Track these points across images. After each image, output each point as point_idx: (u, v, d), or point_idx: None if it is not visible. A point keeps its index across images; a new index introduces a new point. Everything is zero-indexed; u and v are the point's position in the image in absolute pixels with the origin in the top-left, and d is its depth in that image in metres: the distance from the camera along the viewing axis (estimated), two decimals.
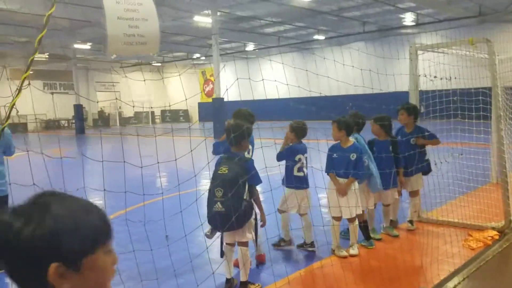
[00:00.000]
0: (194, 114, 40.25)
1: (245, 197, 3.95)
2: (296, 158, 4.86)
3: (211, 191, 3.97)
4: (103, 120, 38.74)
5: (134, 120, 39.82)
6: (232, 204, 3.83)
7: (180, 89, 38.25)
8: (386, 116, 5.49)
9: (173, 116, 41.33)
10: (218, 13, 21.49)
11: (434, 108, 6.32)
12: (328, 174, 4.92)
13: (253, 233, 4.13)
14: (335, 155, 4.82)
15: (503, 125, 5.42)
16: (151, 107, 37.59)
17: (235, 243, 4.08)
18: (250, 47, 32.64)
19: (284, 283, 4.24)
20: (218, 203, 3.87)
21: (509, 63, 7.35)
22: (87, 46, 29.02)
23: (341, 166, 4.78)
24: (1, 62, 32.93)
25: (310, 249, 5.03)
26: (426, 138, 5.62)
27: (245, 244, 4.05)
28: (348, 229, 5.13)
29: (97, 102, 35.17)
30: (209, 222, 4.04)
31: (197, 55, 34.99)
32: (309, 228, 4.98)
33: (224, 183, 3.89)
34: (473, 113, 5.98)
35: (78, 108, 29.96)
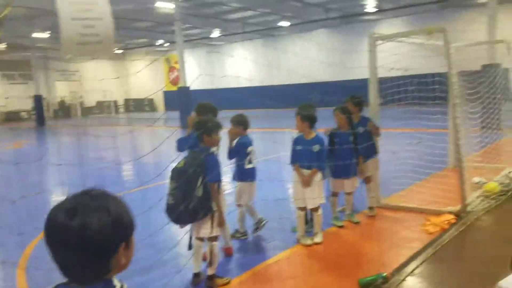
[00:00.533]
0: (160, 103, 39.66)
1: (200, 193, 3.89)
2: (248, 151, 4.95)
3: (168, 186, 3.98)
4: (64, 110, 37.66)
5: (96, 110, 38.88)
6: (182, 197, 3.82)
7: (144, 77, 37.55)
8: (346, 107, 5.61)
9: (138, 106, 40.57)
10: None
11: (392, 97, 6.49)
12: (292, 166, 5.00)
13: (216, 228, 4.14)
14: (298, 147, 4.89)
15: (458, 112, 5.62)
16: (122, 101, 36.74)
17: (204, 238, 4.11)
18: (216, 33, 32.32)
19: (250, 274, 4.32)
20: (170, 195, 3.90)
21: (467, 49, 7.66)
22: (46, 34, 28.04)
23: (304, 158, 4.86)
24: None
25: (243, 237, 5.26)
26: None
27: (213, 238, 4.08)
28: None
29: (74, 94, 34.10)
30: (166, 214, 4.00)
31: (161, 41, 34.38)
32: (243, 218, 5.26)
33: (177, 175, 3.91)
34: (430, 101, 6.18)
35: (38, 99, 29.01)
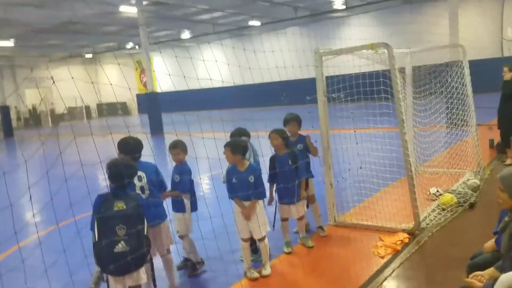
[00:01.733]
0: (133, 106, 39.07)
1: (145, 233, 3.73)
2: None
3: (105, 232, 3.61)
4: (34, 119, 36.78)
5: (67, 117, 38.09)
6: (137, 241, 3.61)
7: (115, 81, 36.95)
8: (283, 130, 5.43)
9: (111, 110, 39.93)
10: (144, 2, 20.71)
11: (338, 93, 6.34)
12: (232, 199, 4.76)
13: (151, 273, 3.90)
14: (234, 179, 4.66)
15: (406, 129, 5.46)
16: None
17: None
18: (186, 34, 31.86)
19: None
20: (122, 242, 3.57)
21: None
22: (10, 43, 27.28)
23: (241, 189, 4.63)
24: None
25: (200, 268, 5.02)
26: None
27: (138, 287, 3.82)
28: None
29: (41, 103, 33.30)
30: (106, 268, 3.62)
31: (130, 44, 33.80)
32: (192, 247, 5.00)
33: (126, 219, 3.62)
34: (376, 95, 6.05)
35: (4, 110, 28.20)
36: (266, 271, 4.80)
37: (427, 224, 5.73)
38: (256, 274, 4.74)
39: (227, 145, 4.63)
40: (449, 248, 5.08)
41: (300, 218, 5.46)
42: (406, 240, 5.35)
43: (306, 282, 4.61)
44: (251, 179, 4.65)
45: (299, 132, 5.79)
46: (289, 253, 5.29)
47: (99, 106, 41.03)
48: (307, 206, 5.80)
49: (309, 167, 5.79)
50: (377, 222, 5.88)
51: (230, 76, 30.06)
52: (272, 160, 5.28)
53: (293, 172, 5.19)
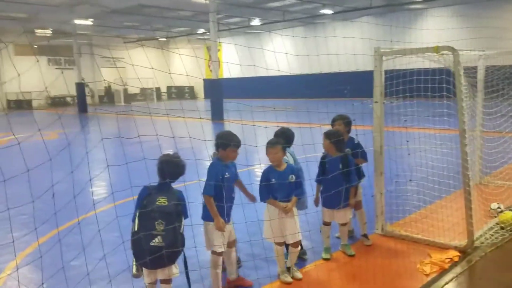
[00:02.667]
0: (200, 90, 39.90)
1: (181, 231, 3.80)
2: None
3: (145, 224, 3.69)
4: (109, 97, 38.61)
5: (140, 97, 39.63)
6: (172, 238, 3.68)
7: (186, 65, 37.82)
8: (337, 132, 5.19)
9: (179, 93, 41.05)
10: None
11: (397, 88, 5.99)
12: (266, 202, 4.63)
13: (178, 270, 3.91)
14: (273, 180, 4.54)
15: (467, 140, 5.05)
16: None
17: (156, 282, 3.88)
18: (255, 22, 31.90)
19: None
20: (159, 237, 3.65)
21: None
22: (88, 22, 28.72)
23: (281, 189, 4.51)
24: (3, 38, 32.78)
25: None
26: (359, 155, 5.42)
27: (169, 281, 3.86)
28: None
29: (104, 80, 34.98)
30: (141, 259, 3.70)
31: (202, 30, 34.41)
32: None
33: (165, 215, 3.69)
34: (437, 93, 5.61)
35: (80, 87, 29.82)
36: (298, 273, 4.72)
37: (482, 243, 5.31)
38: (290, 279, 4.65)
39: (274, 144, 4.51)
40: (502, 272, 4.70)
41: (343, 224, 5.27)
42: (456, 259, 5.00)
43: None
44: (292, 178, 4.54)
45: (349, 135, 5.54)
46: (327, 259, 5.13)
47: (169, 88, 42.30)
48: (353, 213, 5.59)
49: (359, 171, 5.55)
50: (427, 236, 5.55)
51: (297, 64, 29.84)
52: (323, 160, 5.10)
53: (341, 176, 5.00)
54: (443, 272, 4.74)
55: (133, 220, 3.77)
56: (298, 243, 4.65)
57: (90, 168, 8.86)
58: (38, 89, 33.95)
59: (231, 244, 4.45)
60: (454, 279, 4.57)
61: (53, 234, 6.11)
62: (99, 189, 8.18)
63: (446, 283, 4.50)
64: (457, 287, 4.48)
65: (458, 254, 5.09)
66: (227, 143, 4.26)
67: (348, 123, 5.46)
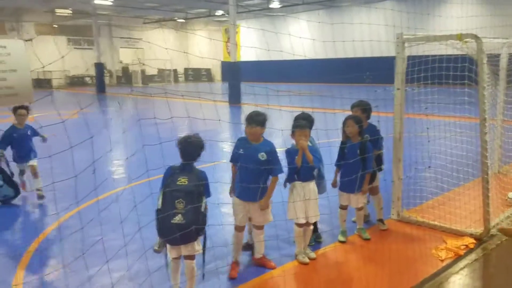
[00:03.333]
0: (217, 73, 39.91)
1: (202, 210, 3.92)
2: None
3: (167, 203, 3.85)
4: (126, 77, 38.85)
5: (157, 78, 39.81)
6: (193, 216, 3.81)
7: (203, 46, 37.86)
8: (360, 117, 5.24)
9: (196, 75, 41.11)
10: None
11: (418, 75, 5.97)
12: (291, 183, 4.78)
13: (201, 246, 4.06)
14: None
15: (487, 128, 5.06)
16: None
17: (180, 257, 4.04)
18: (275, 4, 31.64)
19: None
20: (179, 215, 3.79)
21: None
22: (108, 2, 28.84)
23: (305, 170, 4.66)
24: (25, 18, 33.15)
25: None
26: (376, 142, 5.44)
27: (192, 257, 4.01)
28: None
29: (120, 62, 35.20)
30: (163, 235, 3.89)
31: (220, 12, 34.27)
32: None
33: (185, 194, 3.83)
34: (459, 81, 5.58)
35: (99, 67, 30.07)
36: (312, 254, 4.89)
37: (498, 231, 5.35)
38: (307, 260, 4.77)
39: (305, 126, 4.59)
40: None
41: (359, 209, 5.35)
42: (472, 246, 5.06)
43: (356, 272, 4.56)
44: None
45: (368, 121, 5.58)
46: (343, 242, 5.23)
47: (186, 70, 42.38)
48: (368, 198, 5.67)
49: (380, 158, 5.59)
50: (443, 222, 5.60)
51: (314, 49, 29.60)
52: (343, 145, 5.17)
53: (358, 161, 5.07)
54: (458, 258, 4.80)
55: (158, 199, 3.92)
56: (312, 223, 4.81)
57: (113, 148, 9.06)
58: (58, 68, 34.38)
59: (259, 226, 4.59)
60: (468, 265, 4.64)
61: (80, 208, 6.32)
62: (120, 169, 8.36)
63: (461, 269, 4.57)
64: (471, 273, 4.54)
65: (474, 241, 5.15)
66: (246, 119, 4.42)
67: (366, 109, 5.48)
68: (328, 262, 4.82)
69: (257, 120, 4.39)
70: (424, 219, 5.78)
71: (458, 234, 5.34)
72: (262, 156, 4.38)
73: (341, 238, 5.29)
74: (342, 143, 5.21)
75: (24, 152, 6.92)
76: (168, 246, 3.95)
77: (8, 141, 6.76)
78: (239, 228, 4.61)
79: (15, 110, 6.57)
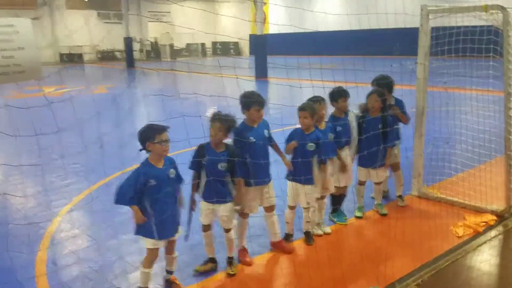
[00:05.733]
0: (245, 47, 39.63)
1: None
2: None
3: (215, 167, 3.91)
4: (155, 52, 39.07)
5: (185, 53, 39.90)
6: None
7: (231, 19, 37.49)
8: (383, 91, 5.15)
9: (224, 49, 40.97)
10: None
11: (442, 48, 5.79)
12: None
13: None
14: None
15: None
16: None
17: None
18: None
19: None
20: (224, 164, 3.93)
21: None
22: None
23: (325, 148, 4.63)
24: None
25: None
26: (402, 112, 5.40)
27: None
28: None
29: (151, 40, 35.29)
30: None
31: None
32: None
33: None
34: (483, 54, 5.37)
35: (128, 41, 30.33)
36: (327, 229, 4.92)
37: None
38: (320, 232, 4.83)
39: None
40: None
41: (378, 183, 5.32)
42: (492, 223, 4.99)
43: (369, 246, 4.58)
44: (330, 138, 4.67)
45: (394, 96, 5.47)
46: (359, 217, 5.24)
47: (214, 44, 42.28)
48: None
49: (397, 132, 5.53)
50: (464, 199, 5.52)
51: (345, 20, 28.87)
52: (361, 121, 5.09)
53: (380, 136, 5.01)
54: (476, 235, 4.75)
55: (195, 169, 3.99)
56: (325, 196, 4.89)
57: (138, 122, 9.24)
58: (89, 43, 34.88)
59: (269, 208, 4.42)
60: (487, 242, 4.58)
61: (102, 183, 6.53)
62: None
63: (479, 245, 4.53)
64: (489, 251, 4.49)
65: (495, 218, 5.07)
66: (249, 103, 4.10)
67: (388, 84, 5.38)
68: (341, 237, 4.85)
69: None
70: (444, 195, 5.71)
71: (479, 211, 5.26)
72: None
73: (357, 213, 5.29)
74: (360, 117, 5.15)
75: None
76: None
77: None
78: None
79: None
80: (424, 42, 5.51)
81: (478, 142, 5.70)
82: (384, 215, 5.30)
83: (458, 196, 5.59)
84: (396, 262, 4.19)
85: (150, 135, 3.49)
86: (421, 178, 5.89)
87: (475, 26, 5.54)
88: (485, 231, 4.82)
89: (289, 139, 4.50)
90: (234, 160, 3.90)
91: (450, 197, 5.63)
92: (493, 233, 4.79)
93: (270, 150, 4.37)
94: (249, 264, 4.27)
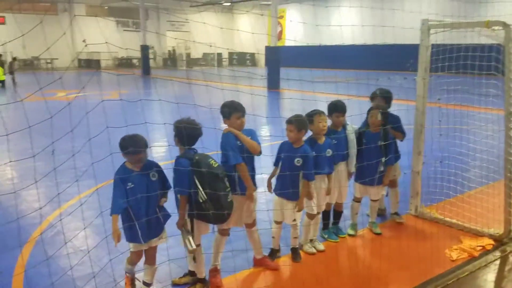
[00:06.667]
0: (261, 57, 39.67)
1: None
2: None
3: (216, 185, 3.68)
4: (172, 60, 39.40)
5: (202, 62, 40.15)
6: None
7: (248, 30, 37.60)
8: (385, 106, 5.04)
9: (240, 60, 41.12)
10: None
11: (442, 64, 5.66)
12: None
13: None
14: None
15: None
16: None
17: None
18: None
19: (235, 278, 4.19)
20: (226, 195, 3.76)
21: None
22: None
23: (322, 163, 4.53)
24: None
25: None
26: (396, 130, 5.23)
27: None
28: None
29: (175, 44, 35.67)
30: (227, 214, 3.80)
31: None
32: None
33: (226, 176, 3.81)
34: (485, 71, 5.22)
35: (145, 49, 30.63)
36: (321, 246, 4.79)
37: None
38: (313, 250, 4.70)
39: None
40: None
41: (375, 200, 5.17)
42: (489, 247, 4.80)
43: (360, 266, 4.44)
44: (329, 153, 4.56)
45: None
46: (352, 235, 5.09)
47: (231, 54, 42.49)
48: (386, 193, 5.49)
49: (396, 150, 5.38)
50: (462, 221, 5.33)
51: (361, 34, 28.73)
52: (360, 135, 4.97)
53: (380, 151, 4.87)
54: (471, 259, 4.56)
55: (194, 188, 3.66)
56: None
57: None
58: (107, 50, 35.28)
59: (251, 224, 4.28)
60: (480, 269, 4.39)
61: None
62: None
63: (472, 271, 4.34)
64: (483, 277, 4.30)
65: (492, 242, 4.88)
66: (229, 111, 3.98)
67: (387, 99, 5.27)
68: (334, 255, 4.71)
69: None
70: (442, 216, 5.53)
71: (476, 234, 5.07)
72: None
73: (350, 231, 5.15)
74: (359, 132, 5.00)
75: None
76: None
77: None
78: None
79: None
80: (424, 57, 5.38)
81: (478, 162, 5.53)
82: (378, 234, 5.14)
83: (456, 218, 5.40)
84: (383, 284, 4.05)
85: (137, 146, 3.52)
86: (418, 197, 5.72)
87: (477, 44, 5.41)
88: (481, 256, 4.63)
89: (279, 151, 4.42)
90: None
91: (448, 218, 5.45)
92: (489, 258, 4.60)
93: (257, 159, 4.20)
94: (218, 286, 4.05)
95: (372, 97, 5.39)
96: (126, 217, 3.59)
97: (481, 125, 5.74)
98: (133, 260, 3.80)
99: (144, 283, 3.86)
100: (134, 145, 3.50)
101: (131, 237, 3.64)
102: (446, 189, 5.81)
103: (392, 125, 5.19)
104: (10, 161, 7.44)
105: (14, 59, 25.94)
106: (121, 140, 3.56)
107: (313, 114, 4.53)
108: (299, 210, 4.38)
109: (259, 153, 4.08)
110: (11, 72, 23.95)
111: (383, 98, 5.21)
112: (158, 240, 3.77)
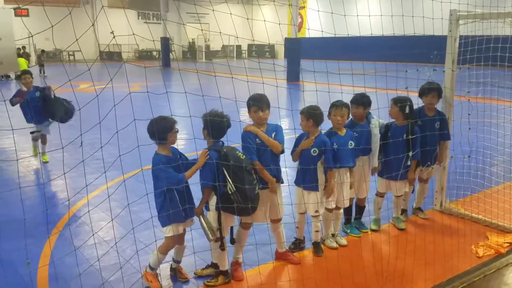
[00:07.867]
0: (280, 49, 39.46)
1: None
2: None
3: (244, 178, 3.66)
4: (192, 53, 39.48)
5: (221, 54, 40.14)
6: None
7: (268, 23, 37.33)
8: (407, 98, 4.90)
9: (259, 52, 40.96)
10: None
11: (471, 56, 5.50)
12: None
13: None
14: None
15: None
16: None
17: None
18: None
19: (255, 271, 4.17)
20: (254, 188, 3.74)
21: None
22: None
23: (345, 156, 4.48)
24: None
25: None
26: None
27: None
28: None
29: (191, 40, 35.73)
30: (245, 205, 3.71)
31: None
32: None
33: (252, 169, 3.84)
34: None
35: (165, 41, 30.74)
36: (343, 240, 4.74)
37: None
38: (335, 244, 4.65)
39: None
40: None
41: (399, 196, 5.08)
42: None
43: (382, 262, 4.36)
44: (351, 145, 4.50)
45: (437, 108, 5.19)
46: (375, 230, 5.02)
47: (250, 46, 42.36)
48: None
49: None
50: (488, 217, 5.21)
51: (383, 25, 28.13)
52: (387, 128, 4.89)
53: (403, 147, 4.78)
54: (498, 256, 4.46)
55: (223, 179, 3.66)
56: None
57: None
58: (128, 42, 35.55)
59: (276, 220, 4.27)
60: (509, 265, 4.29)
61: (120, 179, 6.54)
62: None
63: (499, 268, 4.24)
64: (509, 274, 4.20)
65: None
66: (248, 104, 3.99)
67: (441, 94, 5.12)
68: (357, 250, 4.65)
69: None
70: (467, 211, 5.41)
71: (503, 231, 4.96)
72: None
73: (373, 226, 5.08)
74: (386, 125, 4.92)
75: (35, 114, 7.27)
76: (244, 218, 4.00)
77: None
78: None
79: (20, 75, 7.47)
80: (451, 48, 5.25)
81: (507, 157, 5.38)
82: (402, 229, 5.06)
83: (482, 214, 5.29)
84: (408, 281, 3.98)
85: (169, 126, 3.68)
86: (444, 193, 5.61)
87: (507, 35, 5.24)
88: (508, 253, 4.52)
89: (295, 144, 4.39)
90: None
91: (474, 214, 5.34)
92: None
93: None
94: (240, 279, 4.04)
95: (422, 93, 5.13)
96: (165, 199, 3.64)
97: (511, 118, 5.57)
98: (169, 246, 3.85)
99: (174, 260, 4.05)
100: (167, 124, 3.67)
101: (173, 217, 3.69)
102: (472, 184, 5.69)
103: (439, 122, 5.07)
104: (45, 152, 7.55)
105: (43, 51, 26.36)
106: (150, 125, 3.65)
107: (331, 107, 4.53)
108: (328, 197, 4.39)
109: (281, 151, 4.06)
110: (41, 65, 24.38)
111: (435, 92, 5.02)
112: (191, 222, 3.90)
